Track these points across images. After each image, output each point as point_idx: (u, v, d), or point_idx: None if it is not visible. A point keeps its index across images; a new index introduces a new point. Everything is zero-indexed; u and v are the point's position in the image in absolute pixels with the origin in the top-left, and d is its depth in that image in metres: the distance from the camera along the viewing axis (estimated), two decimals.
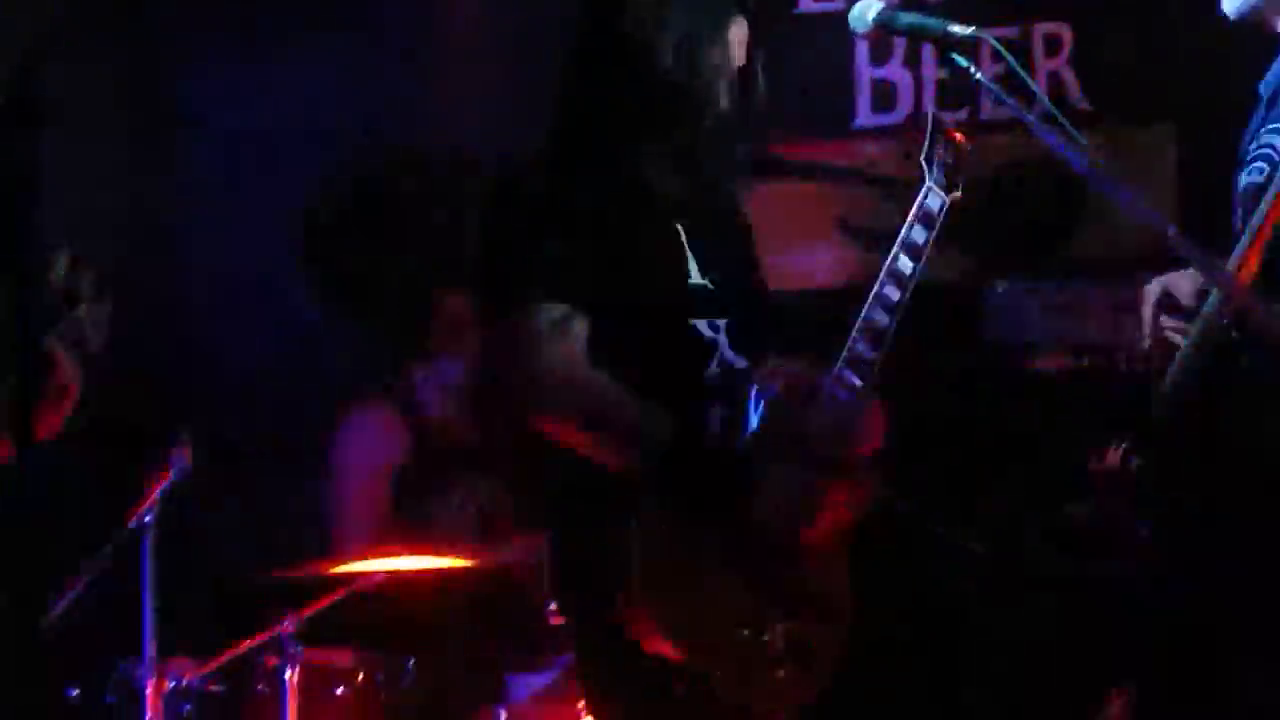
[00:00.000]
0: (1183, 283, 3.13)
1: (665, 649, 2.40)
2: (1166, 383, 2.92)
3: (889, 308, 2.57)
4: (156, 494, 3.20)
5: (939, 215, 2.60)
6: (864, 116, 4.18)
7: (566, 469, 2.52)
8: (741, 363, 2.56)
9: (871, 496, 2.61)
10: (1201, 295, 2.93)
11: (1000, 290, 3.87)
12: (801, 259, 3.98)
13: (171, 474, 3.21)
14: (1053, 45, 4.18)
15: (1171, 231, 2.29)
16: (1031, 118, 2.68)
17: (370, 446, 3.86)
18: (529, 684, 3.47)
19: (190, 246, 4.23)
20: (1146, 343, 3.28)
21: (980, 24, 2.65)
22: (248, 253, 4.04)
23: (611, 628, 2.41)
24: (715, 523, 2.43)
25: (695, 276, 2.57)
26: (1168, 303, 3.04)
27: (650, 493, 2.41)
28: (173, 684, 3.31)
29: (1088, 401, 3.49)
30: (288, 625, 3.28)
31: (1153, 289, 3.11)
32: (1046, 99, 2.53)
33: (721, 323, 2.58)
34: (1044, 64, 4.15)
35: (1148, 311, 3.10)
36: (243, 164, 4.10)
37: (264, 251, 4.03)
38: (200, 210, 4.18)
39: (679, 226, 2.59)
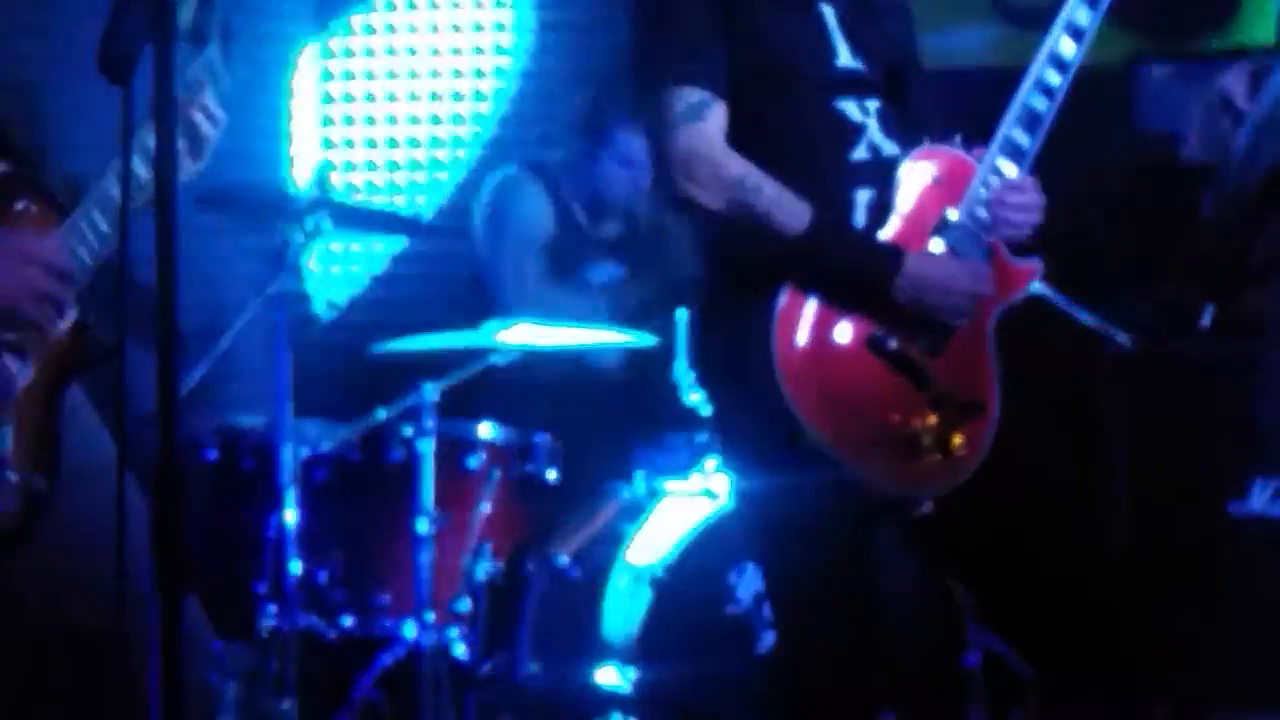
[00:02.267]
0: (1237, 85, 3.12)
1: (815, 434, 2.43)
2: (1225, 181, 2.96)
3: (1048, 91, 2.49)
4: (290, 260, 3.21)
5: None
6: None
7: (709, 247, 2.55)
8: (891, 146, 2.54)
9: (1027, 284, 2.59)
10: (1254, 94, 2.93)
11: (1155, 74, 3.79)
12: (957, 37, 3.98)
13: (304, 238, 3.22)
14: None
15: None
16: None
17: (526, 217, 3.88)
18: (659, 462, 3.53)
19: None
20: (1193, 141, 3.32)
21: None
22: None
23: (749, 407, 2.44)
24: (859, 309, 2.42)
25: (845, 58, 2.53)
26: (1222, 103, 3.06)
27: (790, 276, 2.40)
28: (309, 450, 3.39)
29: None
30: (425, 396, 3.33)
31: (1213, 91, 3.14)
32: None
33: (872, 105, 2.56)
34: None
35: (1200, 112, 3.14)
36: None
37: None
38: None
39: (830, 8, 2.55)
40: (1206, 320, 3.30)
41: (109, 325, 2.33)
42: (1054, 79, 2.54)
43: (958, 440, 2.52)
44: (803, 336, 2.44)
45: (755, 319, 2.45)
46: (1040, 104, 2.55)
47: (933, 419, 2.50)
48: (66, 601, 2.42)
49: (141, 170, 2.22)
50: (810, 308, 2.44)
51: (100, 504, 2.07)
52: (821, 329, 2.45)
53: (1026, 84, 2.55)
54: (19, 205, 2.38)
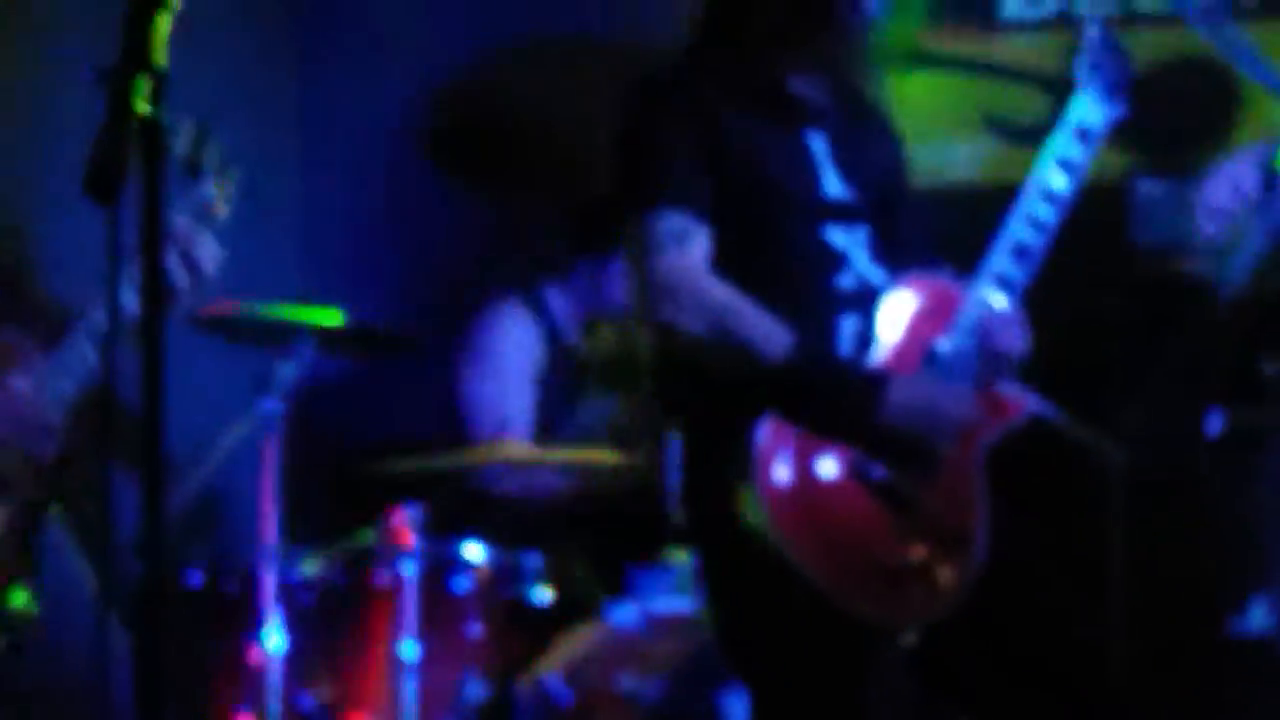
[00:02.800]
0: (1246, 174, 3.19)
1: (790, 562, 2.37)
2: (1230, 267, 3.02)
3: (1038, 225, 2.49)
4: (282, 381, 3.20)
5: (1099, 132, 2.51)
6: (1011, 9, 4.19)
7: (694, 374, 2.52)
8: (878, 275, 2.53)
9: (1016, 416, 2.57)
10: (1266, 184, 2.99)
11: (1149, 189, 3.79)
12: (949, 151, 3.99)
13: (297, 361, 3.21)
14: None
15: None
16: (1193, 10, 2.70)
17: (517, 345, 3.86)
18: (652, 580, 3.47)
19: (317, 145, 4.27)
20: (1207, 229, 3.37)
21: None
22: (375, 151, 4.16)
23: (733, 533, 2.41)
24: (842, 437, 2.40)
25: (833, 186, 2.54)
26: (1231, 192, 3.13)
27: (774, 405, 2.38)
28: (293, 575, 3.35)
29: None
30: (411, 517, 3.29)
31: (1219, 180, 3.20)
32: None
33: (859, 234, 2.55)
34: None
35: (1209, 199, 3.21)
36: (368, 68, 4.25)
37: (393, 154, 4.16)
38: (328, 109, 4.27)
39: (819, 135, 2.56)
40: (1215, 429, 3.28)
41: (90, 455, 2.40)
42: (1044, 212, 2.52)
43: (944, 572, 2.49)
44: (785, 468, 2.42)
45: (737, 451, 2.42)
46: (1030, 237, 2.54)
47: (919, 551, 2.48)
48: None
49: (131, 301, 2.19)
50: (793, 438, 2.42)
51: (80, 639, 2.13)
52: (805, 459, 2.43)
53: (1016, 216, 2.53)
54: (9, 336, 2.49)
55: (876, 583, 2.45)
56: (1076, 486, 3.43)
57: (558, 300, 3.87)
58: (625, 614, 3.40)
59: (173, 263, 2.54)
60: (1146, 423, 3.54)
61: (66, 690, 2.44)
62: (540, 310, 3.88)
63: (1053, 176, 2.50)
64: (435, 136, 4.32)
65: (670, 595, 3.40)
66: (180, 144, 2.63)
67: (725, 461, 2.45)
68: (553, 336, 3.89)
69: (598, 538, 3.73)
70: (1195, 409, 3.42)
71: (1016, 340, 2.47)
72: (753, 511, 2.45)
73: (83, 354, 2.44)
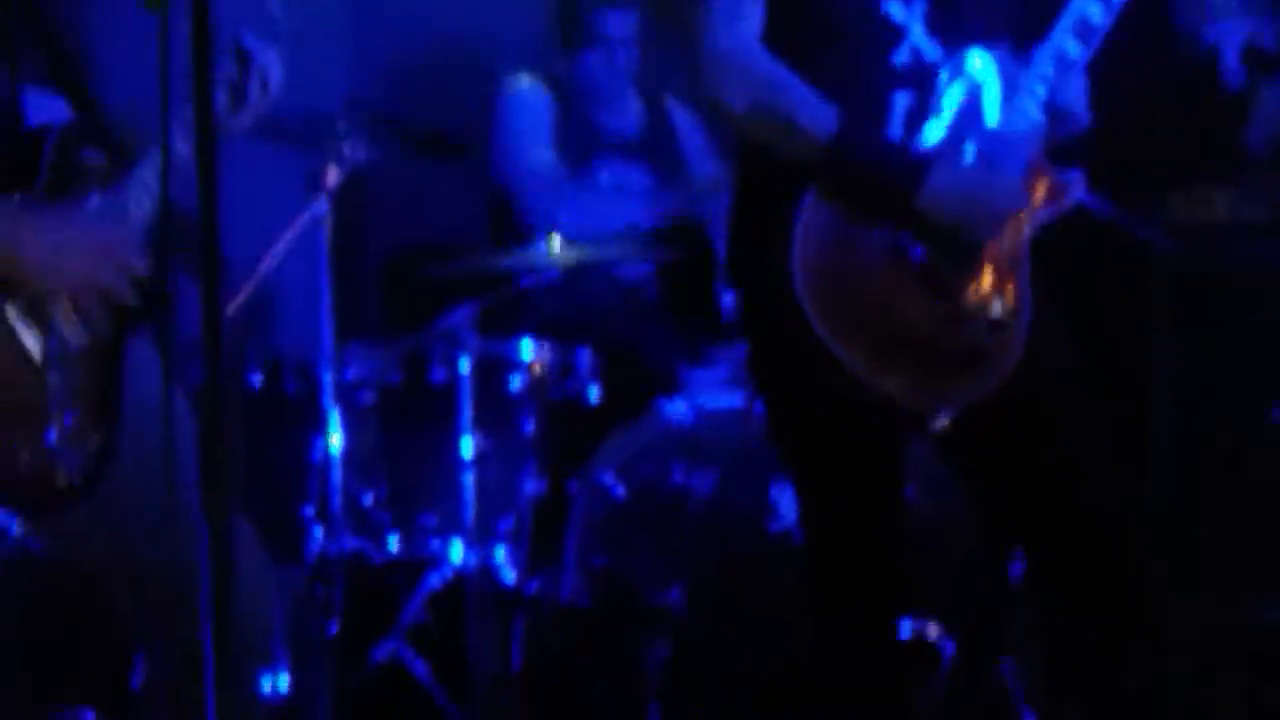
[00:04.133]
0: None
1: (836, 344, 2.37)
2: None
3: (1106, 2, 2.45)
4: (330, 184, 3.25)
5: None
6: None
7: (737, 150, 2.54)
8: (935, 50, 2.44)
9: (1066, 197, 2.52)
10: None
11: None
12: None
13: (344, 165, 3.26)
14: None
15: None
16: None
17: (531, 118, 3.91)
18: (703, 375, 3.54)
19: None
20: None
21: None
22: None
23: (780, 317, 2.40)
24: (884, 218, 2.38)
25: None
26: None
27: (814, 182, 2.35)
28: (351, 373, 3.47)
29: None
30: (464, 315, 3.37)
31: None
32: None
33: (918, 4, 2.46)
34: None
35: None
36: None
37: None
38: None
39: None
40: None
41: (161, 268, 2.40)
42: None
43: (980, 357, 2.45)
44: (826, 246, 2.38)
45: (778, 228, 2.40)
46: (1096, 15, 2.45)
47: (955, 333, 2.46)
48: (129, 539, 2.47)
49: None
50: (835, 214, 2.38)
51: (154, 454, 2.11)
52: (845, 238, 2.40)
53: None
54: (89, 156, 2.43)
55: (910, 363, 2.45)
56: (1123, 277, 3.45)
57: (568, 81, 3.95)
58: (676, 409, 3.46)
59: (244, 78, 2.52)
60: (1190, 211, 3.56)
61: (145, 489, 2.40)
62: (554, 86, 3.96)
63: None
64: None
65: (720, 389, 3.47)
66: None
67: (765, 245, 2.45)
68: (570, 112, 3.97)
69: (649, 333, 3.77)
70: (1241, 201, 3.47)
71: (1081, 104, 2.49)
72: (786, 297, 2.44)
73: (153, 177, 2.42)
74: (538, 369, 3.53)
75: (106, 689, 3.25)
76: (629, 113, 4.05)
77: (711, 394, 3.50)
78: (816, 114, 2.34)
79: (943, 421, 2.46)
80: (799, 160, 2.38)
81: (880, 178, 2.39)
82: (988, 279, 2.43)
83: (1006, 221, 2.39)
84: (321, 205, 3.20)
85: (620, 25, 4.00)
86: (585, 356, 3.57)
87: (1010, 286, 2.46)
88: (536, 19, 4.30)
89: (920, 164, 2.36)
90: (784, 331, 2.42)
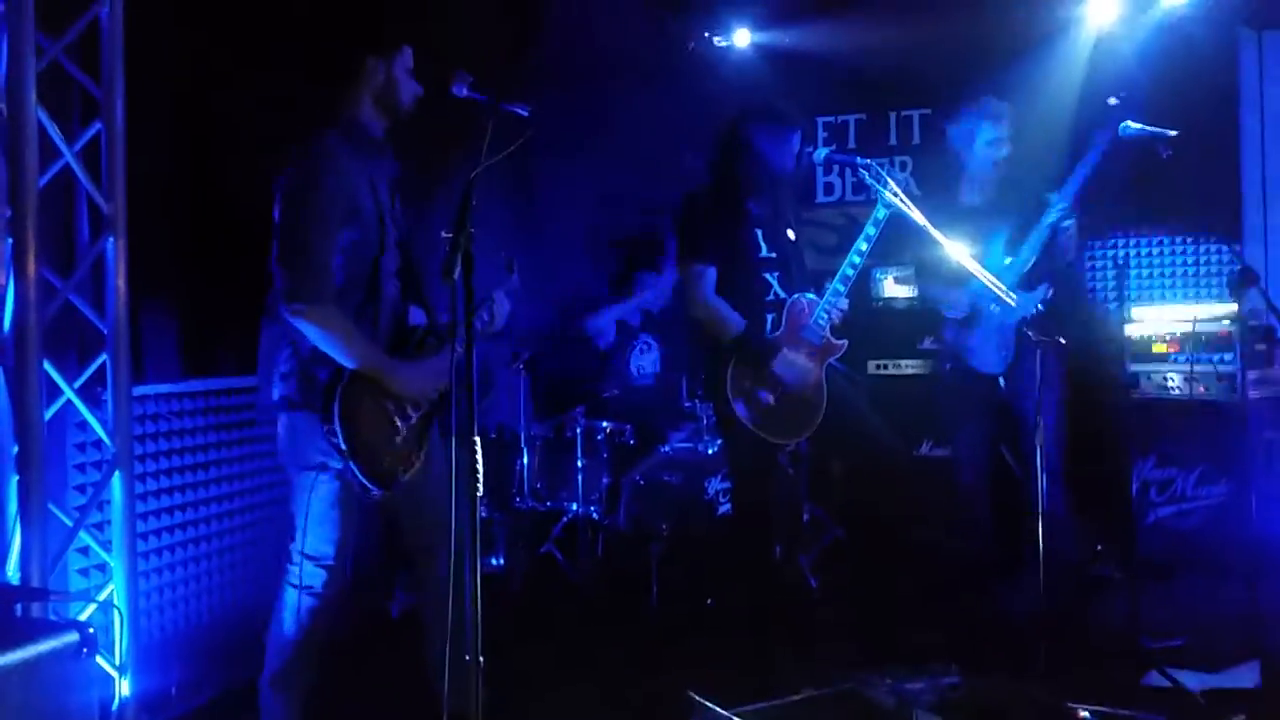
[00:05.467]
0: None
1: (743, 418, 3.65)
2: None
3: (855, 266, 3.63)
4: (523, 359, 5.16)
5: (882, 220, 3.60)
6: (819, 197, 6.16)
7: (705, 339, 3.73)
8: (783, 294, 3.70)
9: (837, 353, 3.80)
10: None
11: None
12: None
13: (526, 351, 5.14)
14: None
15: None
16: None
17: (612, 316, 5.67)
18: (676, 435, 5.42)
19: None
20: None
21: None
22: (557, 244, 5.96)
23: (723, 411, 3.69)
24: (765, 364, 3.62)
25: (765, 251, 3.76)
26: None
27: (737, 351, 3.62)
28: (535, 429, 5.36)
29: None
30: (580, 409, 5.28)
31: None
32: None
33: (775, 274, 3.75)
34: None
35: None
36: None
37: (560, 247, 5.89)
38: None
39: (759, 231, 3.74)
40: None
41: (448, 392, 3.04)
42: (858, 259, 3.64)
43: (809, 416, 3.71)
44: (743, 379, 3.65)
45: (720, 371, 3.64)
46: (851, 272, 3.65)
47: (799, 409, 3.68)
48: (420, 517, 3.23)
49: (478, 325, 3.10)
50: (745, 365, 3.61)
51: (436, 467, 3.05)
52: (752, 375, 3.64)
53: (847, 262, 3.68)
54: (429, 339, 3.16)
55: (780, 424, 3.64)
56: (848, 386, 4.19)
57: (641, 291, 5.74)
58: (665, 448, 5.31)
59: (492, 312, 3.22)
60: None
61: (426, 491, 3.12)
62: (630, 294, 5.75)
63: (863, 242, 3.64)
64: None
65: (684, 441, 5.35)
66: (504, 258, 3.31)
67: (718, 379, 3.65)
68: (637, 310, 5.74)
69: (655, 415, 5.59)
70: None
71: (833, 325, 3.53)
72: (723, 396, 3.63)
73: (452, 350, 2.67)
74: (609, 430, 5.33)
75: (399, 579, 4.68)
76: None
77: (681, 443, 5.38)
78: (734, 323, 3.66)
79: (791, 446, 3.85)
80: (727, 344, 3.64)
81: (759, 350, 3.65)
82: (812, 385, 3.66)
83: (811, 369, 3.71)
84: (519, 367, 5.21)
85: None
86: (629, 428, 5.40)
87: (819, 384, 3.69)
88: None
89: (774, 344, 3.64)
90: (730, 416, 3.63)
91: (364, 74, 3.16)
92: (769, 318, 3.81)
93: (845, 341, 3.83)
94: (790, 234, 3.85)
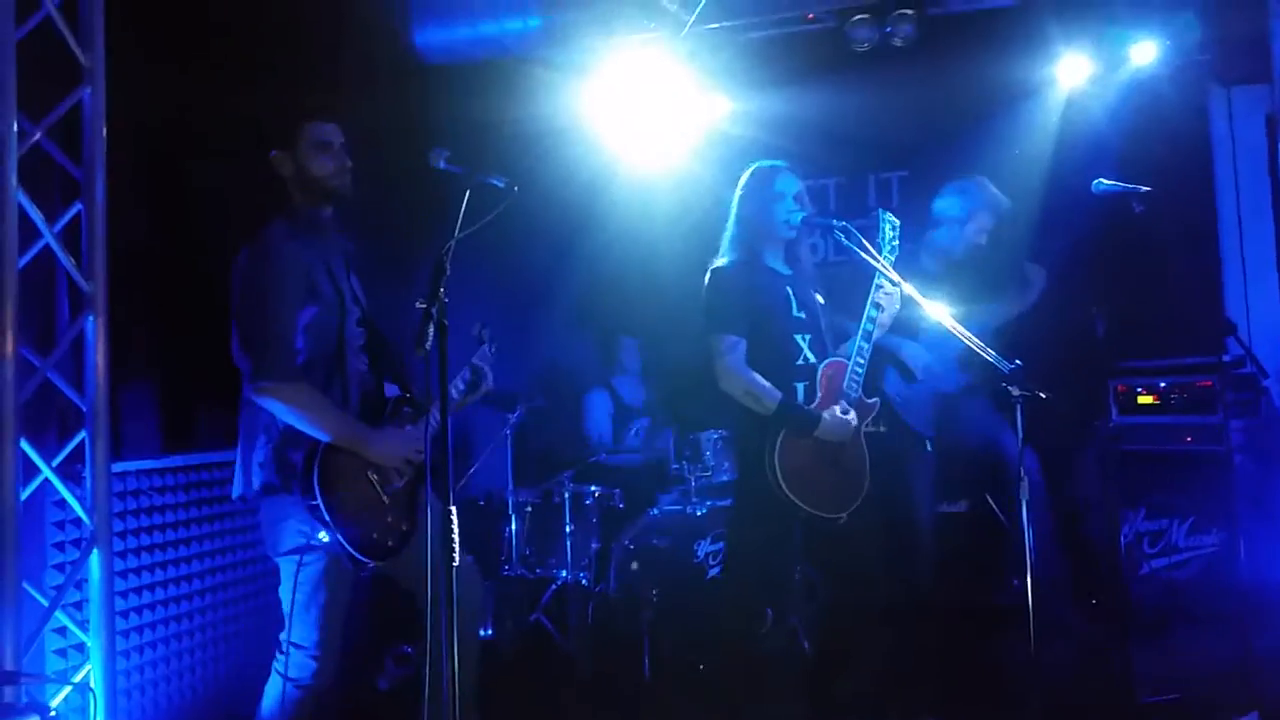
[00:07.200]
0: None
1: (791, 494, 3.57)
2: None
3: (869, 336, 3.60)
4: (512, 422, 5.34)
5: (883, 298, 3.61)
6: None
7: (740, 411, 3.65)
8: (814, 358, 3.65)
9: (873, 413, 3.74)
10: None
11: None
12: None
13: (520, 412, 5.31)
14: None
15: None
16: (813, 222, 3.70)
17: (604, 412, 5.88)
18: (664, 498, 5.50)
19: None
20: None
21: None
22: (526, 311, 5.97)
23: (760, 485, 3.59)
24: (804, 437, 3.56)
25: (795, 311, 3.68)
26: None
27: (777, 424, 3.54)
28: (521, 496, 5.44)
29: None
30: (568, 474, 5.36)
31: None
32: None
33: (806, 337, 3.69)
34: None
35: None
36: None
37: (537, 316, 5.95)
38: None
39: (789, 290, 3.69)
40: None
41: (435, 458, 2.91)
42: (871, 325, 3.59)
43: (854, 488, 3.66)
44: (794, 453, 3.57)
45: (766, 445, 3.54)
46: (867, 339, 3.60)
47: (844, 482, 3.65)
48: (412, 575, 3.14)
49: (454, 394, 3.18)
50: (794, 438, 3.54)
51: (424, 535, 2.77)
52: (801, 448, 3.56)
53: (861, 328, 3.64)
54: (405, 409, 3.21)
55: (829, 497, 3.60)
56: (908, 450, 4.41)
57: (622, 388, 5.86)
58: (654, 511, 5.32)
59: (477, 377, 3.30)
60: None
61: (420, 553, 2.91)
62: (613, 392, 5.88)
63: (871, 309, 3.62)
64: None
65: (672, 504, 5.36)
66: (476, 328, 3.39)
67: (762, 454, 3.57)
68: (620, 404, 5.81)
69: (641, 484, 5.66)
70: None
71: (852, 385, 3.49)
72: (771, 475, 3.54)
73: (433, 418, 2.88)
74: (597, 494, 5.41)
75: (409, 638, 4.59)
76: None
77: (669, 505, 5.40)
78: (770, 394, 3.52)
79: (843, 518, 3.66)
80: (764, 417, 3.52)
81: (801, 422, 3.55)
82: (853, 456, 3.62)
83: (850, 434, 3.60)
84: (507, 433, 5.34)
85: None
86: (618, 492, 5.45)
87: (861, 457, 3.65)
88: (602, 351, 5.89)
89: (815, 415, 3.55)
90: (769, 493, 3.54)
91: (277, 169, 3.23)
92: (799, 386, 3.76)
93: (877, 400, 3.82)
94: (819, 297, 3.87)
